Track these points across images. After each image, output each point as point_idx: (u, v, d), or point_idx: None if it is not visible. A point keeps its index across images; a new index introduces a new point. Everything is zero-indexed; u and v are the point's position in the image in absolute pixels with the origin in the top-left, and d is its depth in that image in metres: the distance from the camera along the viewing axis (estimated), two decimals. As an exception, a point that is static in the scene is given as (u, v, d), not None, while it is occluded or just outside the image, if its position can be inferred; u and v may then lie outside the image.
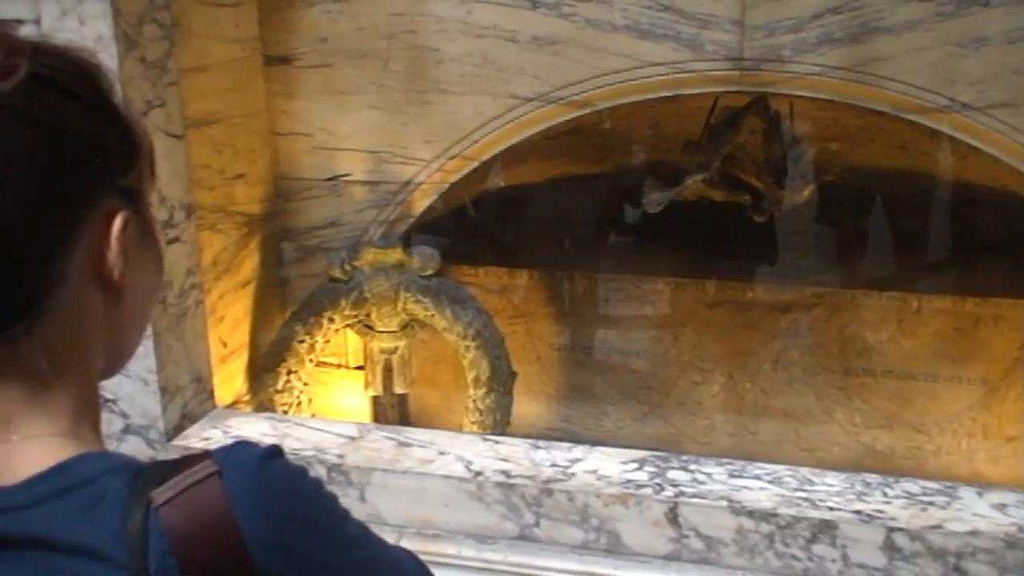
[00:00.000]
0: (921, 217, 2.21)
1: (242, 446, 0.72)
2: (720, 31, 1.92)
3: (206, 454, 0.71)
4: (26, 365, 0.71)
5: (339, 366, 2.32)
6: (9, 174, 0.67)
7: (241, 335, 2.16)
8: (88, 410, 0.76)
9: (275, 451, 0.73)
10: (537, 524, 1.68)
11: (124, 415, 1.84)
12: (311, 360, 2.19)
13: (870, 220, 2.23)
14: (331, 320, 2.17)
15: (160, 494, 0.67)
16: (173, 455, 1.66)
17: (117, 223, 0.73)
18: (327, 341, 2.20)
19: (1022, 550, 1.49)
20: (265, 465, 0.71)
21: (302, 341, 2.17)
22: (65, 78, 0.72)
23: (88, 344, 0.75)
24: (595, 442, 1.92)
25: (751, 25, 1.90)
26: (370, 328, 2.20)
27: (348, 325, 2.21)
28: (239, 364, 2.15)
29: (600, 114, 2.05)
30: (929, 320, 2.14)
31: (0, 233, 0.68)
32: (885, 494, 1.63)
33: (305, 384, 2.19)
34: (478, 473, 1.72)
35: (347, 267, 2.15)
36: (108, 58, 1.66)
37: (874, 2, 1.86)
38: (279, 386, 2.17)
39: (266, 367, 2.18)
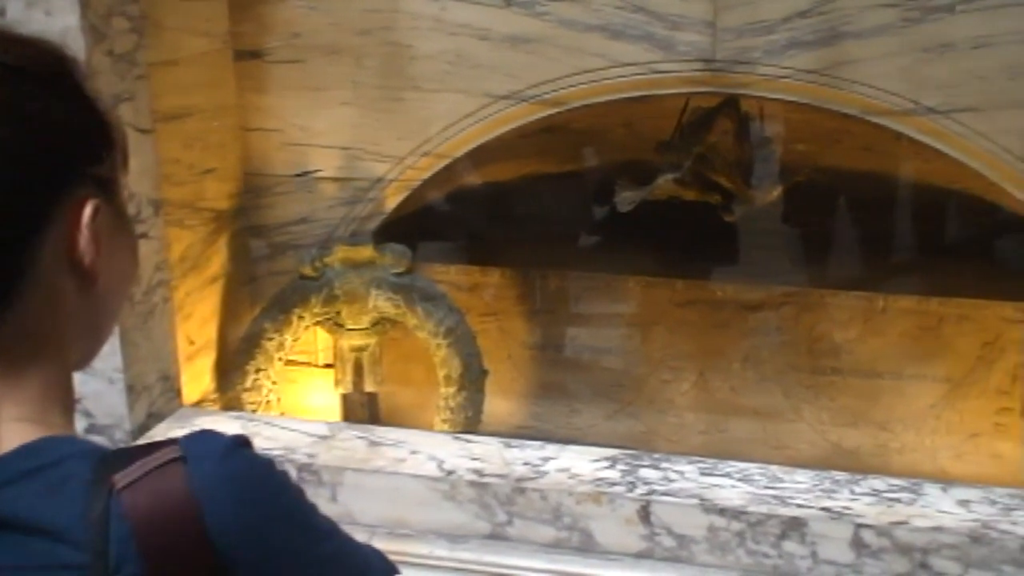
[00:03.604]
0: (887, 218, 2.23)
1: (208, 434, 0.73)
2: (693, 32, 1.93)
3: (171, 441, 0.71)
4: None
5: (308, 364, 2.31)
6: None
7: (209, 332, 2.14)
8: (60, 396, 0.76)
9: (242, 441, 0.73)
10: (510, 523, 1.68)
11: (88, 414, 1.82)
12: (280, 358, 2.18)
13: (838, 221, 2.25)
14: (301, 317, 2.16)
15: (122, 478, 0.68)
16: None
17: (87, 210, 0.74)
18: (296, 339, 2.19)
19: (986, 546, 1.51)
20: (231, 453, 0.71)
21: (271, 339, 2.15)
22: (38, 67, 0.73)
23: (61, 330, 0.75)
24: (566, 440, 1.92)
25: (723, 27, 1.92)
26: (340, 326, 2.19)
27: (318, 323, 2.19)
28: (206, 362, 2.13)
29: (573, 113, 2.05)
30: (895, 319, 2.17)
31: None
32: (852, 491, 1.64)
33: (274, 382, 2.17)
34: (450, 472, 1.72)
35: (317, 264, 2.14)
36: (75, 51, 1.63)
37: (843, 7, 1.88)
38: (247, 384, 2.15)
39: (234, 365, 2.16)
